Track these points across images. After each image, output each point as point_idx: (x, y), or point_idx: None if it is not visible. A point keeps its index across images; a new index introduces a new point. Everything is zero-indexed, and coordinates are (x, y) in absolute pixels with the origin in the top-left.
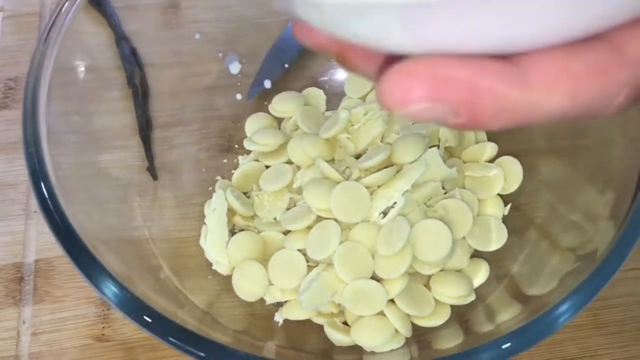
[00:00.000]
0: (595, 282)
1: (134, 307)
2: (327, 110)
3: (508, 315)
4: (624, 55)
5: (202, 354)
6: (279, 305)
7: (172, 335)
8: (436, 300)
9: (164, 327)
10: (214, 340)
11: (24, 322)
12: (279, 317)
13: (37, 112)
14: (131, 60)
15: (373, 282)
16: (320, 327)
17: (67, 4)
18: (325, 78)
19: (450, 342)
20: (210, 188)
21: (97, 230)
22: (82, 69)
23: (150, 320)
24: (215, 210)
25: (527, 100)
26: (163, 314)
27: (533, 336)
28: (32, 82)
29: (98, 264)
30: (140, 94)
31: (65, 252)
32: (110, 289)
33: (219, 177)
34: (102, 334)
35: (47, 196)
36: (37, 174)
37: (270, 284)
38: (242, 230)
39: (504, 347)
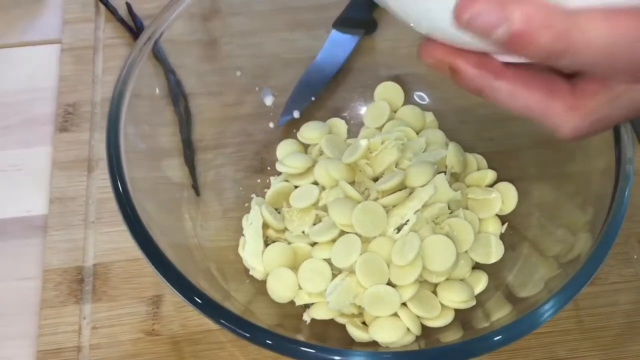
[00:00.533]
0: (574, 285)
1: (191, 292)
2: (348, 138)
3: (502, 314)
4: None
5: (247, 335)
6: (307, 306)
7: (222, 318)
8: (442, 305)
9: (216, 310)
10: (257, 324)
11: (84, 318)
12: (306, 317)
13: (119, 133)
14: (176, 91)
15: (388, 287)
16: (341, 325)
17: (138, 50)
18: (347, 109)
19: (453, 339)
20: (247, 204)
21: (160, 233)
22: (143, 98)
23: (201, 302)
24: (252, 223)
25: None
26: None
27: (519, 331)
28: (114, 112)
29: (163, 256)
30: (184, 120)
31: (138, 246)
32: (173, 278)
33: (253, 195)
34: (152, 329)
35: (125, 202)
36: (118, 185)
37: (300, 288)
38: (275, 241)
39: (495, 339)
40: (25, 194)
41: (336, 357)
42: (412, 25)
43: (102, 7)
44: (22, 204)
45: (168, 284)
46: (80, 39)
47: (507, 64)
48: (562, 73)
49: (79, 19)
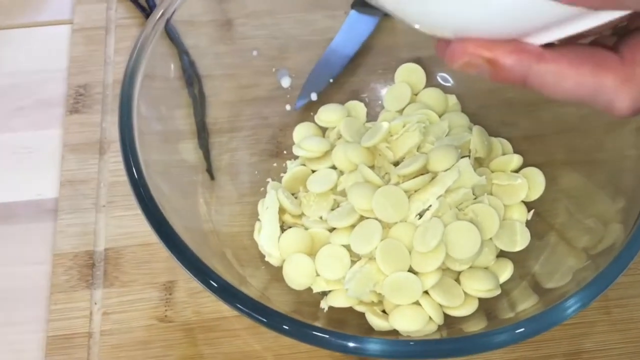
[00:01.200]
0: (603, 280)
1: (207, 276)
2: (367, 121)
3: (527, 305)
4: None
5: (264, 320)
6: (324, 294)
7: (239, 302)
8: (465, 293)
9: (232, 295)
10: (273, 309)
11: (95, 303)
12: (324, 304)
13: (132, 116)
14: (190, 72)
15: (410, 274)
16: (360, 314)
17: (150, 28)
18: (366, 92)
19: (476, 329)
20: (262, 189)
21: (175, 216)
22: (156, 79)
23: (216, 286)
24: (268, 208)
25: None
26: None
27: (544, 324)
28: (127, 91)
29: (178, 239)
30: (198, 103)
31: (152, 228)
32: (189, 261)
33: (269, 179)
34: (165, 316)
35: (139, 185)
36: (132, 166)
37: (317, 274)
38: (291, 227)
39: (517, 331)
40: (36, 177)
41: (352, 344)
42: (433, 28)
43: None
44: (33, 187)
45: (183, 267)
46: (91, 19)
47: (545, 46)
48: (605, 46)
49: None
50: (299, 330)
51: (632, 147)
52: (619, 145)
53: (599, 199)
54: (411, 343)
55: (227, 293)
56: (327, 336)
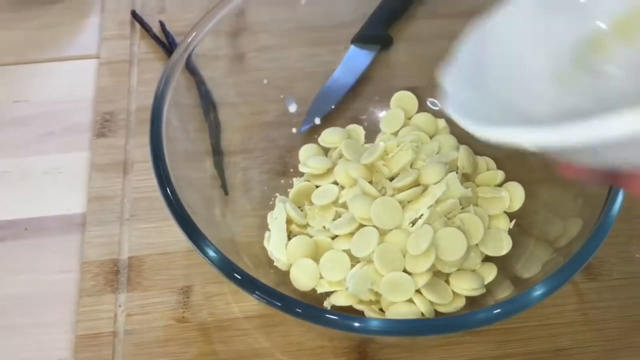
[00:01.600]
0: (565, 271)
1: (232, 269)
2: (365, 142)
3: (506, 294)
4: None
5: (278, 304)
6: (327, 294)
7: (258, 290)
8: (454, 292)
9: (253, 284)
10: (288, 295)
11: (120, 306)
12: (327, 304)
13: (161, 136)
14: (207, 100)
15: (404, 274)
16: (360, 312)
17: (174, 62)
18: (365, 117)
19: None
20: (271, 202)
21: (199, 223)
22: (179, 106)
23: (240, 278)
24: (276, 218)
25: None
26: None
27: (516, 306)
28: (158, 116)
29: (206, 238)
30: (214, 127)
31: (184, 233)
32: (214, 255)
33: (277, 194)
34: (183, 317)
35: (171, 195)
36: (163, 179)
37: (321, 277)
38: (297, 235)
39: (495, 312)
40: (66, 195)
41: (357, 323)
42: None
43: (137, 25)
44: (63, 203)
45: (211, 262)
46: (116, 54)
47: None
48: None
49: (116, 36)
50: (308, 312)
51: None
52: None
53: (570, 209)
54: (401, 321)
55: (249, 283)
56: (334, 317)
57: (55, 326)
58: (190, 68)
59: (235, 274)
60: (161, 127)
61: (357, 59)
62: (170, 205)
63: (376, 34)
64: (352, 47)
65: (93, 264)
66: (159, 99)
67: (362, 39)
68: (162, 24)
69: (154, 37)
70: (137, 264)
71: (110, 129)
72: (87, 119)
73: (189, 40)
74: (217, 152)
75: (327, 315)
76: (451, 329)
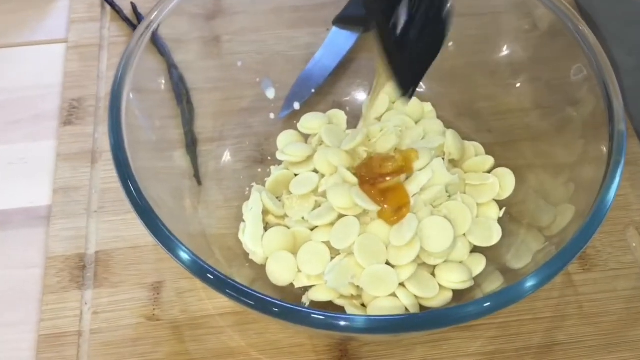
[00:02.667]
0: (558, 261)
1: (203, 269)
2: (347, 128)
3: (496, 286)
4: None
5: (251, 302)
6: (306, 289)
7: (229, 289)
8: (440, 286)
9: (224, 283)
10: (261, 293)
11: (85, 304)
12: (305, 299)
13: (121, 124)
14: (179, 85)
15: (387, 267)
16: (340, 308)
17: (136, 39)
18: (347, 100)
19: None
20: (247, 192)
21: (165, 216)
22: (144, 91)
23: (212, 278)
24: (252, 209)
25: None
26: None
27: (506, 298)
28: (116, 101)
29: (174, 238)
30: (187, 113)
31: (148, 230)
32: (184, 256)
33: (254, 184)
34: (153, 314)
35: (132, 189)
36: (124, 172)
37: (299, 270)
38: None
39: (484, 305)
40: (31, 186)
41: (342, 323)
42: None
43: (108, 7)
44: (27, 195)
45: (181, 263)
46: (85, 37)
47: None
48: None
49: (85, 19)
50: (285, 310)
51: (594, 149)
52: (584, 148)
53: (562, 195)
54: (385, 317)
55: (222, 283)
56: (319, 316)
57: (17, 326)
58: (162, 51)
59: (206, 273)
60: (120, 114)
61: (339, 41)
62: (131, 199)
63: (359, 15)
64: (334, 29)
65: (58, 259)
66: (117, 84)
67: (344, 20)
68: (133, 6)
69: (125, 20)
70: (105, 259)
71: (78, 116)
72: (55, 107)
73: (151, 18)
74: (190, 141)
75: (307, 315)
76: (437, 325)
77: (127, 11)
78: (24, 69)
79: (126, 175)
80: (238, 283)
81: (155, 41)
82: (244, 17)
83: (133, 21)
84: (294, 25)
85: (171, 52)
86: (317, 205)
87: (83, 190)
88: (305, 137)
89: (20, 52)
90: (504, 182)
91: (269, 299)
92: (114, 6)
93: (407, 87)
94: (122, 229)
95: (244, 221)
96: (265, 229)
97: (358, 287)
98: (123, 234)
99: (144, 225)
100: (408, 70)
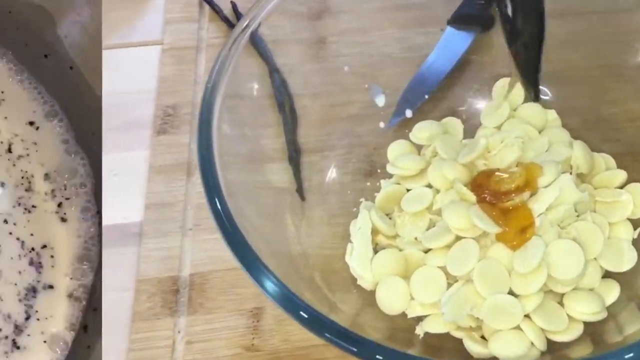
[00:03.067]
0: None
1: (294, 304)
2: (464, 138)
3: (636, 327)
4: None
5: (354, 349)
6: (420, 319)
7: (327, 332)
8: (569, 317)
9: (321, 324)
10: (365, 337)
11: (179, 332)
12: (419, 330)
13: (211, 135)
14: (281, 91)
15: (510, 297)
16: (458, 340)
17: (232, 41)
18: (463, 108)
19: (582, 355)
20: (355, 209)
21: (260, 240)
22: (243, 98)
23: (306, 317)
24: (360, 229)
25: None
26: (318, 311)
27: None
28: (206, 109)
29: (263, 265)
30: (289, 121)
31: (234, 255)
32: (273, 287)
33: (362, 199)
34: (252, 344)
35: (220, 208)
36: (212, 190)
37: (412, 298)
38: (385, 248)
39: (626, 356)
40: (122, 200)
41: None
42: None
43: (206, 7)
44: (119, 210)
45: (269, 296)
46: (181, 39)
47: None
48: None
49: (181, 19)
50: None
51: None
52: None
53: None
54: None
55: (317, 324)
56: None
57: (105, 355)
58: (263, 55)
59: (302, 312)
60: (211, 125)
61: (455, 42)
62: (217, 219)
63: (476, 14)
64: (449, 29)
65: (149, 282)
66: (210, 91)
67: (460, 19)
68: (233, 5)
69: (225, 20)
70: (200, 282)
71: (172, 124)
72: (148, 114)
73: (250, 18)
74: (293, 151)
75: None
76: None
77: (227, 10)
78: (115, 73)
79: (214, 193)
80: (337, 324)
81: (255, 43)
82: (350, 17)
83: (233, 21)
84: (405, 25)
85: (273, 56)
86: (432, 224)
87: (177, 206)
88: (418, 148)
89: (111, 54)
90: (638, 198)
91: (373, 345)
92: (212, 5)
93: (530, 79)
94: (219, 249)
95: (351, 242)
96: (375, 250)
97: (478, 317)
98: (220, 254)
99: (232, 252)
100: (526, 57)
